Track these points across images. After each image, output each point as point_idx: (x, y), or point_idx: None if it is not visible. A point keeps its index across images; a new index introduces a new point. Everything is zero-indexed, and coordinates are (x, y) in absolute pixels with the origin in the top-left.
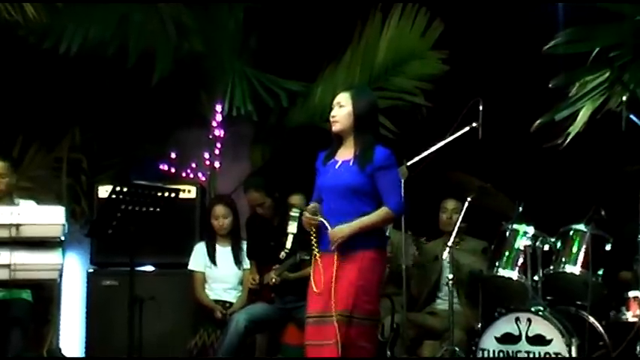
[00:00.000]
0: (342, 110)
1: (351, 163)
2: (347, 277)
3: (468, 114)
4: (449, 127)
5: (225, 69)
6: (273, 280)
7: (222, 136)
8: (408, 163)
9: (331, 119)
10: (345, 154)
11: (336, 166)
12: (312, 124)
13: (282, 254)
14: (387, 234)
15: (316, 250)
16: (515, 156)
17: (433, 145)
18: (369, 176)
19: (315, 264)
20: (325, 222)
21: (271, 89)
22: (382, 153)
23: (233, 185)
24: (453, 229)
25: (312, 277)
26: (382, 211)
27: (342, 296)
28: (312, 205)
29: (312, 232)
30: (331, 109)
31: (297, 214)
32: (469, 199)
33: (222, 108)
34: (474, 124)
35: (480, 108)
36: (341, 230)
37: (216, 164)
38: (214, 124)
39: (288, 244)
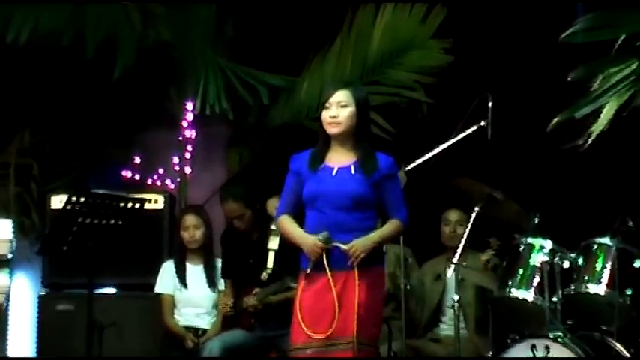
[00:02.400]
0: (344, 110)
1: (352, 170)
2: (360, 296)
3: (475, 111)
4: (453, 127)
5: (197, 61)
6: (254, 304)
7: (193, 138)
8: (407, 168)
9: (329, 120)
10: (341, 159)
11: (333, 173)
12: (297, 124)
13: (264, 275)
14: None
15: (328, 268)
16: (529, 159)
17: (435, 147)
18: (373, 185)
19: (304, 284)
20: (340, 244)
21: (250, 84)
22: (387, 160)
23: (206, 194)
24: (458, 244)
25: (299, 300)
26: (394, 225)
27: (351, 319)
28: (324, 234)
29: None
30: (324, 105)
31: (277, 231)
32: (477, 209)
33: (194, 106)
34: (482, 123)
35: (489, 104)
36: (362, 245)
37: (187, 170)
38: (185, 124)
39: (270, 263)
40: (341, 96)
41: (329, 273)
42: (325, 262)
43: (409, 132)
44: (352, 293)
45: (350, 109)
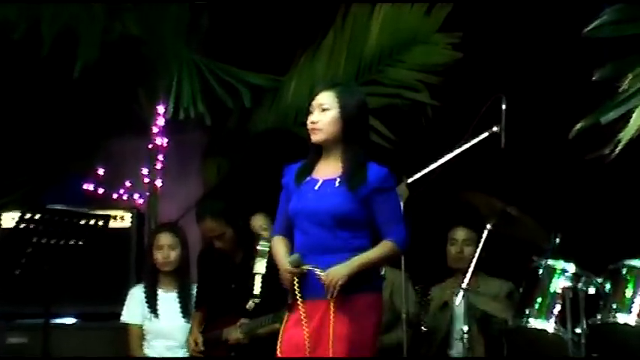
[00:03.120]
0: (325, 115)
1: (337, 183)
2: (338, 329)
3: (486, 115)
4: (462, 133)
5: (169, 58)
6: (239, 338)
7: (165, 146)
8: (409, 180)
9: (310, 126)
10: (328, 170)
11: (316, 187)
12: (283, 129)
13: (250, 304)
14: (383, 273)
15: (299, 296)
16: (548, 170)
17: (441, 156)
18: (361, 201)
19: (288, 315)
20: (314, 269)
21: (230, 84)
22: (379, 172)
23: (180, 210)
24: (467, 267)
25: (281, 334)
26: (385, 247)
27: (334, 353)
28: (294, 256)
29: (294, 284)
30: (309, 110)
31: (267, 248)
32: (489, 226)
33: (166, 109)
34: (495, 129)
35: (503, 107)
36: (338, 272)
37: (158, 183)
38: (155, 130)
39: (257, 289)
40: (323, 98)
41: (300, 303)
42: (297, 289)
43: (411, 139)
44: (326, 324)
45: (331, 114)
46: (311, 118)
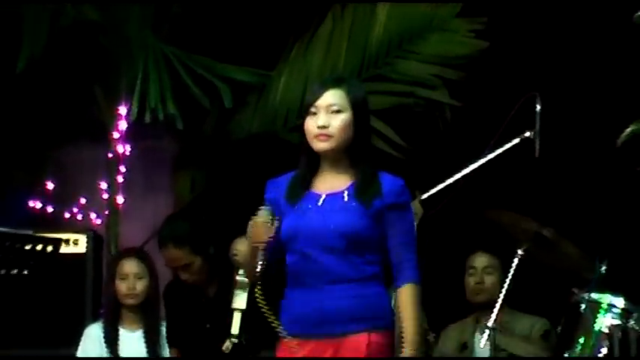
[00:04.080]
0: (337, 118)
1: (345, 197)
2: None
3: (517, 118)
4: (488, 140)
5: (134, 49)
6: None
7: (128, 154)
8: (423, 197)
9: (316, 132)
10: (331, 183)
11: (319, 202)
12: (270, 135)
13: (227, 345)
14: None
15: (284, 333)
16: (592, 185)
17: (462, 168)
18: (374, 218)
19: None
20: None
21: (206, 80)
22: (395, 184)
23: (146, 232)
24: (489, 301)
25: None
26: (411, 296)
27: None
28: (264, 210)
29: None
30: (308, 111)
31: (246, 283)
32: (520, 252)
33: (129, 111)
34: (528, 134)
35: (537, 108)
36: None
37: (119, 199)
38: (116, 136)
39: (235, 328)
40: (333, 97)
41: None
42: (275, 323)
43: (426, 146)
44: None
45: (345, 116)
46: (318, 122)
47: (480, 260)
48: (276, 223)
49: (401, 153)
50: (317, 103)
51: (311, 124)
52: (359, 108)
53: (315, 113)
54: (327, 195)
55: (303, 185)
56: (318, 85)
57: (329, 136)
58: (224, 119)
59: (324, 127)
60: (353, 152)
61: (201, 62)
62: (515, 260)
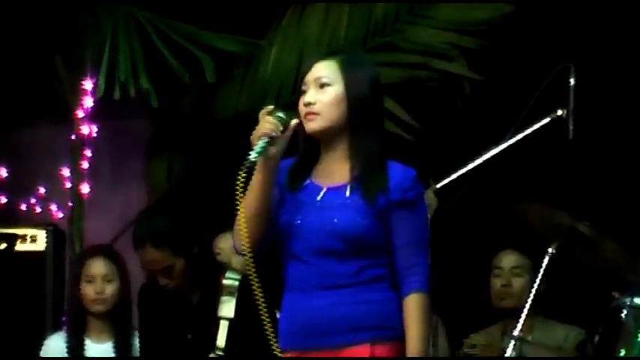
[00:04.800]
0: (325, 93)
1: (347, 192)
2: None
3: (548, 94)
4: (514, 120)
5: (101, 13)
6: None
7: (94, 137)
8: (438, 186)
9: (303, 110)
10: (332, 174)
11: (319, 197)
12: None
13: (212, 358)
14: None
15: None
16: (634, 172)
17: (483, 152)
18: (380, 216)
19: None
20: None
21: (186, 50)
22: (404, 175)
23: (116, 226)
24: (518, 306)
25: None
26: (418, 306)
27: None
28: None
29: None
30: (300, 88)
31: (236, 282)
32: (550, 250)
33: (95, 86)
34: (560, 113)
35: (571, 83)
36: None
37: (85, 189)
38: (80, 115)
39: (221, 340)
40: (321, 70)
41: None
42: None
43: (442, 128)
44: None
45: (334, 91)
46: (304, 99)
47: (508, 260)
48: (292, 123)
49: (412, 135)
50: (305, 77)
51: (300, 103)
52: (354, 82)
53: (304, 90)
54: (328, 189)
55: (301, 175)
56: (310, 58)
57: (315, 114)
58: (206, 96)
59: (309, 103)
60: (349, 135)
61: (179, 29)
62: (546, 260)
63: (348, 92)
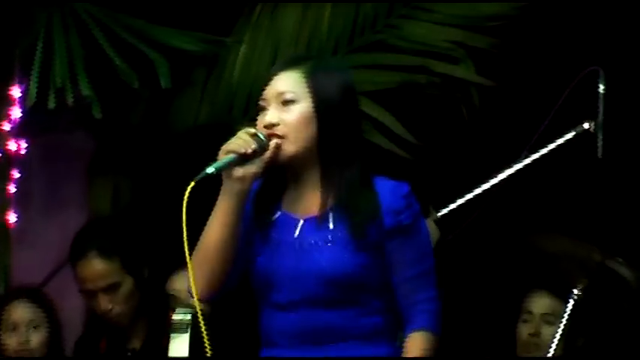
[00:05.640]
0: (290, 112)
1: (330, 224)
2: None
3: (572, 103)
4: (531, 135)
5: (32, 5)
6: None
7: (22, 154)
8: (440, 214)
9: (264, 132)
10: (311, 201)
11: (296, 232)
12: (225, 126)
13: None
14: None
15: None
16: None
17: (494, 173)
18: (372, 250)
19: None
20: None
21: (136, 50)
22: (395, 192)
23: (47, 263)
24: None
25: None
26: (419, 341)
27: None
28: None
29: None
30: (258, 105)
31: (188, 317)
32: (576, 292)
33: (25, 93)
34: (587, 126)
35: (601, 89)
36: None
37: (11, 218)
38: (6, 127)
39: None
40: (283, 84)
41: None
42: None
43: (444, 144)
44: None
45: (300, 109)
46: (265, 119)
47: (540, 304)
48: (272, 143)
49: (408, 152)
50: (264, 93)
51: (259, 124)
52: (324, 95)
53: (264, 108)
54: (305, 221)
55: (270, 204)
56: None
57: (280, 137)
58: (160, 105)
59: (271, 124)
60: (324, 157)
61: (128, 24)
62: (571, 303)
63: (317, 109)
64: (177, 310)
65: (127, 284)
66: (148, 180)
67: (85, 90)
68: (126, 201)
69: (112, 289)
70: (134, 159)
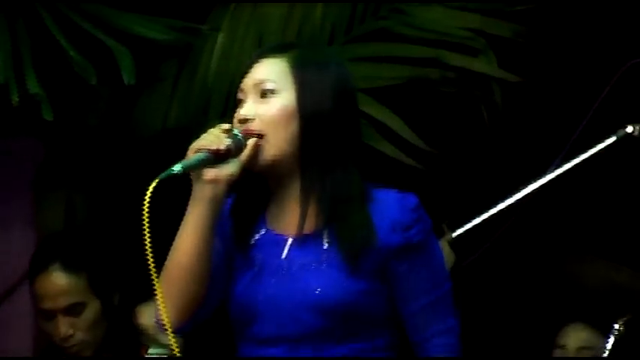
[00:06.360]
0: (268, 104)
1: (325, 244)
2: None
3: (612, 102)
4: (564, 140)
5: None
6: None
7: None
8: (455, 234)
9: (239, 127)
10: (297, 216)
11: (283, 254)
12: (199, 129)
13: None
14: None
15: None
16: None
17: (520, 187)
18: (376, 273)
19: None
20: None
21: (95, 40)
22: (401, 206)
23: None
24: None
25: None
26: None
27: None
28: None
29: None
30: (236, 98)
31: (163, 354)
32: (617, 326)
33: None
34: (630, 130)
35: None
36: None
37: None
38: None
39: None
40: (263, 72)
41: None
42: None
43: (461, 152)
44: None
45: (280, 101)
46: (239, 113)
47: (576, 336)
48: (250, 142)
49: (418, 160)
50: (243, 82)
51: (235, 118)
52: (311, 88)
53: (242, 101)
54: (294, 240)
55: (251, 220)
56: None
57: (259, 137)
58: (122, 104)
59: (245, 119)
60: (305, 164)
61: (85, 10)
62: (612, 338)
63: (301, 105)
64: (150, 348)
65: (93, 308)
66: (107, 193)
67: (34, 87)
68: (82, 218)
69: (74, 310)
70: (91, 169)
